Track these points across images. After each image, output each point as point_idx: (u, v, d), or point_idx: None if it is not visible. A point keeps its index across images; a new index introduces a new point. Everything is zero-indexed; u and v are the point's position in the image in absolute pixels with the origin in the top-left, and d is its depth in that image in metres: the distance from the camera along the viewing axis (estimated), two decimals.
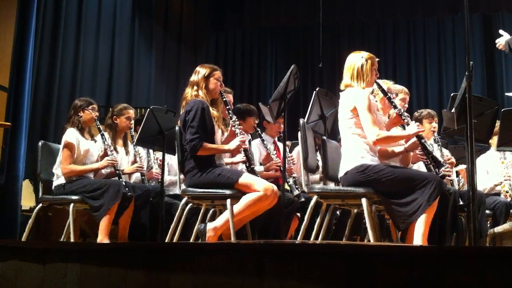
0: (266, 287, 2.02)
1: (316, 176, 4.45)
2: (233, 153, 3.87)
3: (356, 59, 3.50)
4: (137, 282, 2.32)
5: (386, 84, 3.78)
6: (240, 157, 3.93)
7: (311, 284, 1.96)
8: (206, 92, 3.63)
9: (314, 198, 3.46)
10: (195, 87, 3.64)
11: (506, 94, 4.12)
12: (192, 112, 3.52)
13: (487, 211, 4.15)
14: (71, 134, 4.08)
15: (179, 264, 2.25)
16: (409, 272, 1.86)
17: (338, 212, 4.21)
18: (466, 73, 3.69)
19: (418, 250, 2.06)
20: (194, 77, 3.68)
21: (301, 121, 3.78)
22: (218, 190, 3.46)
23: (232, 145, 3.57)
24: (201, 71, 3.68)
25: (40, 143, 4.30)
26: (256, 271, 2.04)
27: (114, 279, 2.38)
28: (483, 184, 4.46)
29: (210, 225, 3.38)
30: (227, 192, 3.43)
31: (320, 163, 3.98)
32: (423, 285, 1.83)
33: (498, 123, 3.77)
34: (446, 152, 4.43)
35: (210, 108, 3.61)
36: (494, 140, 4.28)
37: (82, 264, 2.52)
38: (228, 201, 3.40)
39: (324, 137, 3.83)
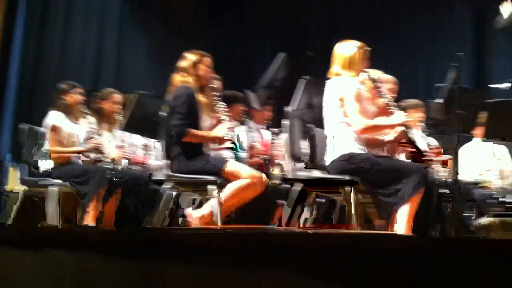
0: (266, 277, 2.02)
1: (302, 165, 4.45)
2: (221, 141, 3.86)
3: (348, 48, 3.51)
4: (134, 273, 2.29)
5: (376, 73, 3.78)
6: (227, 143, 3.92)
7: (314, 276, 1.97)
8: (196, 79, 3.61)
9: (299, 186, 3.47)
10: (184, 73, 3.61)
11: (490, 85, 4.13)
12: (179, 98, 3.50)
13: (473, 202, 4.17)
14: (55, 117, 4.05)
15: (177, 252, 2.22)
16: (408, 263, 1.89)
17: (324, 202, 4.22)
18: (453, 64, 3.71)
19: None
20: (182, 63, 3.65)
21: (287, 109, 3.78)
22: (204, 177, 3.44)
23: (219, 132, 3.56)
24: (190, 57, 3.65)
25: (24, 127, 4.27)
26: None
27: (113, 271, 2.33)
28: (468, 173, 4.49)
29: (196, 213, 3.38)
30: (213, 179, 3.42)
31: (305, 151, 3.98)
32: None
33: (482, 114, 3.78)
34: (433, 141, 4.45)
35: (199, 95, 3.59)
36: (476, 131, 4.30)
37: (78, 253, 2.46)
38: (214, 188, 3.39)
39: (312, 126, 3.83)
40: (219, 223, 3.31)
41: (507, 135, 4.16)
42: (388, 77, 4.11)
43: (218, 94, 3.71)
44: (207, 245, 2.15)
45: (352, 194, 3.20)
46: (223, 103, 3.70)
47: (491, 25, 4.01)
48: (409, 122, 3.53)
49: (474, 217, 4.01)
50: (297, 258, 2.01)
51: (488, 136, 4.29)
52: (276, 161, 4.35)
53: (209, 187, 3.38)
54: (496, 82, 4.31)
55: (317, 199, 3.83)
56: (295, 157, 3.74)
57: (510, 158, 4.62)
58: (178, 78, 3.62)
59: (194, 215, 3.35)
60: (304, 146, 4.06)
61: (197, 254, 2.13)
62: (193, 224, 3.32)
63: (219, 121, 3.63)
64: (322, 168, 3.66)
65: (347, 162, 3.27)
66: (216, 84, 3.73)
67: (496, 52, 7.00)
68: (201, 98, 3.61)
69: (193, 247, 2.16)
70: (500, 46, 6.86)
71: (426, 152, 3.69)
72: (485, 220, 3.08)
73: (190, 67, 3.61)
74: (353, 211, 3.16)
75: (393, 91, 4.03)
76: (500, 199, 4.03)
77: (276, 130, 4.60)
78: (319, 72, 3.83)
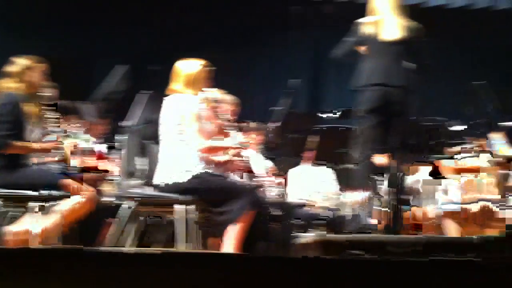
0: None
1: (139, 181, 4.36)
2: (48, 152, 3.63)
3: (192, 66, 3.52)
4: None
5: (217, 93, 3.84)
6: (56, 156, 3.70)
7: None
8: (26, 86, 3.37)
9: (132, 203, 3.38)
10: (10, 79, 3.36)
11: (320, 113, 4.43)
12: (3, 106, 3.25)
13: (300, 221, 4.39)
14: None
15: None
16: None
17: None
18: (288, 90, 3.92)
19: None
20: (10, 68, 3.39)
21: (124, 123, 3.68)
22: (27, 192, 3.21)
23: (47, 144, 3.36)
24: (20, 62, 3.41)
25: None
26: None
27: None
28: (297, 194, 4.74)
29: (12, 230, 3.12)
30: (49, 193, 3.20)
31: (142, 167, 3.90)
32: None
33: (312, 139, 4.02)
34: (269, 163, 4.62)
35: (28, 104, 3.35)
36: (307, 154, 4.55)
37: None
38: (35, 204, 3.17)
39: (152, 142, 3.77)
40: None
41: (334, 159, 4.47)
42: (229, 97, 4.20)
43: (51, 103, 3.50)
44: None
45: (185, 213, 3.19)
46: (57, 113, 3.49)
47: (326, 53, 4.28)
48: (245, 143, 3.63)
49: (300, 235, 4.21)
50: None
51: (318, 160, 4.58)
52: (110, 177, 4.20)
53: (30, 203, 3.16)
54: (328, 109, 4.61)
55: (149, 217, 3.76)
56: (130, 174, 3.65)
57: (335, 181, 4.95)
58: (3, 84, 3.35)
59: (9, 232, 3.09)
60: (141, 162, 3.98)
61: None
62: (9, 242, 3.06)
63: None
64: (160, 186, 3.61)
65: (182, 180, 3.27)
66: (49, 92, 3.51)
67: (329, 79, 7.50)
68: (29, 107, 3.37)
69: None
70: (333, 74, 7.35)
71: (260, 173, 3.82)
72: (309, 237, 3.24)
73: (19, 73, 3.37)
74: (184, 231, 3.16)
75: (233, 112, 4.12)
76: (325, 219, 4.31)
77: (112, 144, 4.46)
78: (162, 87, 3.79)
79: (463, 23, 6.72)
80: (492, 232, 3.94)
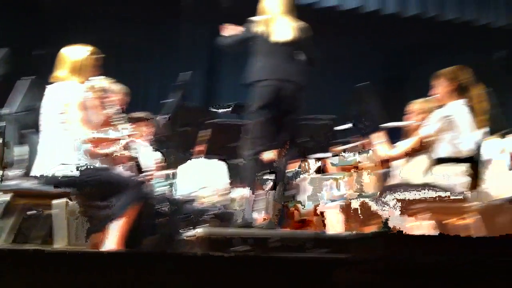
0: None
1: (18, 172, 4.10)
2: None
3: (79, 53, 3.36)
4: None
5: (106, 82, 3.69)
6: None
7: None
8: None
9: (7, 196, 3.16)
10: None
11: (212, 107, 4.42)
12: None
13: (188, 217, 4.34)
14: None
15: None
16: None
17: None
18: (180, 82, 3.86)
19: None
20: None
21: (2, 111, 3.45)
22: None
23: None
24: None
25: None
26: None
27: None
28: (186, 188, 4.69)
29: None
30: None
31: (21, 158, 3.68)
32: None
33: (203, 133, 4.00)
34: (158, 156, 4.53)
35: None
36: (198, 148, 4.52)
37: None
38: None
39: (33, 130, 3.56)
40: None
41: (226, 154, 4.48)
42: (119, 87, 4.06)
43: None
44: None
45: (65, 207, 3.05)
46: None
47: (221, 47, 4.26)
48: (133, 135, 3.53)
49: (188, 230, 4.18)
50: None
51: (209, 154, 4.56)
52: None
53: None
54: (221, 103, 4.59)
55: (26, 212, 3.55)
56: (8, 164, 3.44)
57: (227, 176, 4.96)
58: None
59: None
60: (20, 152, 3.75)
61: None
62: None
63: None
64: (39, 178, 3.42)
65: (63, 173, 3.11)
66: None
67: (224, 73, 7.52)
68: None
69: None
70: (227, 68, 7.37)
71: (148, 167, 3.73)
72: (195, 232, 3.22)
73: None
74: (65, 226, 3.01)
75: (122, 102, 3.98)
76: (213, 214, 4.31)
77: None
78: (46, 74, 3.58)
79: (356, 24, 7.01)
80: (371, 228, 4.16)
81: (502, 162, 4.13)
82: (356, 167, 4.60)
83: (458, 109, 3.42)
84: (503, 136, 4.04)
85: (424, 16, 6.83)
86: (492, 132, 3.66)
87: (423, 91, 3.74)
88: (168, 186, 4.40)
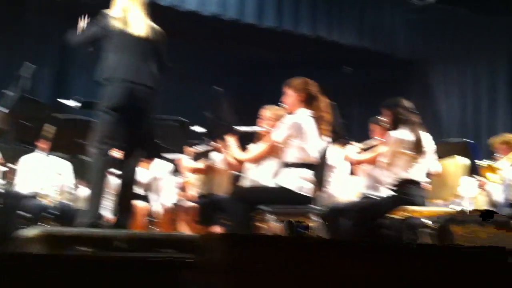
0: None
1: None
2: None
3: None
4: None
5: None
6: None
7: None
8: None
9: None
10: None
11: (59, 100, 4.16)
12: None
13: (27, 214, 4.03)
14: None
15: None
16: None
17: None
18: (21, 74, 3.58)
19: None
20: None
21: None
22: None
23: None
24: None
25: None
26: None
27: None
28: (27, 184, 4.38)
29: None
30: None
31: None
32: None
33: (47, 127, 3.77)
34: None
35: None
36: (41, 144, 4.24)
37: None
38: None
39: None
40: None
41: (72, 151, 4.24)
42: None
43: None
44: None
45: None
46: None
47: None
48: None
49: (25, 229, 3.88)
50: None
51: (54, 150, 4.30)
52: None
53: None
54: (70, 98, 4.31)
55: None
56: None
57: (72, 174, 4.71)
58: None
59: None
60: None
61: None
62: None
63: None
64: None
65: None
66: None
67: (77, 67, 7.16)
68: None
69: None
70: (80, 63, 7.03)
71: None
72: (31, 231, 2.97)
73: None
74: None
75: None
76: (55, 212, 4.06)
77: None
78: None
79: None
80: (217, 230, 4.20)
81: (344, 168, 4.41)
82: (209, 169, 4.64)
83: (305, 117, 3.57)
84: (344, 145, 4.31)
85: (279, 29, 7.12)
86: (334, 141, 3.88)
87: (277, 99, 3.86)
88: (5, 182, 4.08)
